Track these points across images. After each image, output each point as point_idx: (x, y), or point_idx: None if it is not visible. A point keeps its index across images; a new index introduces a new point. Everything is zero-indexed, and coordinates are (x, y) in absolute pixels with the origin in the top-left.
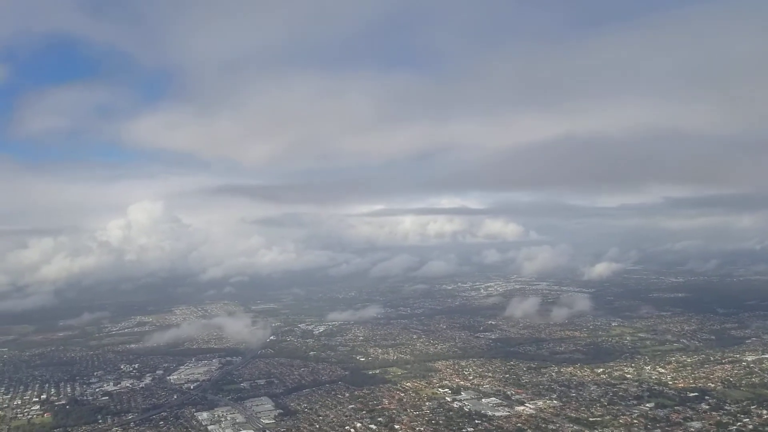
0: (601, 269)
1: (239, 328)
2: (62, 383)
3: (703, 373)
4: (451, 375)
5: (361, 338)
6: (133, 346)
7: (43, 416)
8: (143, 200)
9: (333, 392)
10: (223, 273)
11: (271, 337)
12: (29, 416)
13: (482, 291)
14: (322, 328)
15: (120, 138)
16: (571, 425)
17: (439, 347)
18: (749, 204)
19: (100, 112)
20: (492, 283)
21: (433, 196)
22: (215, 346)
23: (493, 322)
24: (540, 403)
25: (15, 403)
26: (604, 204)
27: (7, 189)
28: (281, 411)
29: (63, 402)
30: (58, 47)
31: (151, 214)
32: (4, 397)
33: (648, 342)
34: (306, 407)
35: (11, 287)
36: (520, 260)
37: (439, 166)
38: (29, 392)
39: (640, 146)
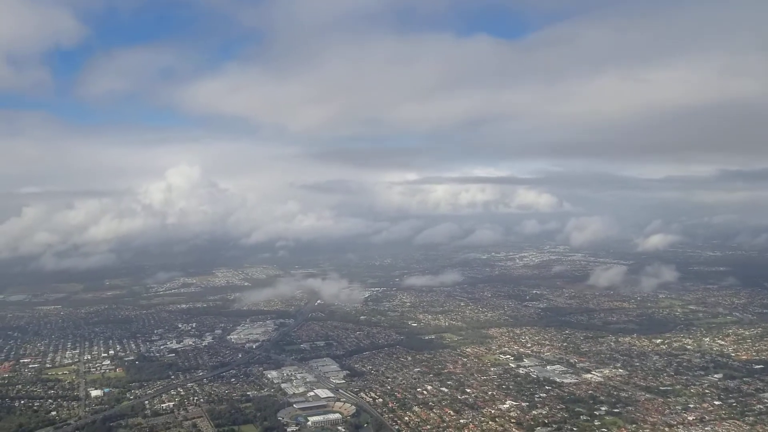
0: (656, 241)
1: (286, 291)
2: (125, 340)
3: (765, 345)
4: (509, 342)
5: (408, 304)
6: (183, 306)
7: (115, 371)
8: (181, 164)
9: (394, 355)
10: (264, 238)
11: (319, 301)
12: (102, 371)
13: (518, 261)
14: (367, 294)
15: (178, 102)
16: (643, 393)
17: (489, 315)
18: None
19: (165, 75)
20: (526, 254)
21: (468, 165)
22: (265, 309)
23: (537, 291)
24: (606, 371)
25: (85, 357)
26: (650, 176)
27: (54, 149)
28: (348, 372)
29: (132, 358)
30: (159, 6)
31: (189, 178)
32: (73, 352)
33: (700, 314)
34: (371, 369)
35: (66, 246)
36: (565, 231)
37: (485, 136)
38: (95, 348)
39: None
